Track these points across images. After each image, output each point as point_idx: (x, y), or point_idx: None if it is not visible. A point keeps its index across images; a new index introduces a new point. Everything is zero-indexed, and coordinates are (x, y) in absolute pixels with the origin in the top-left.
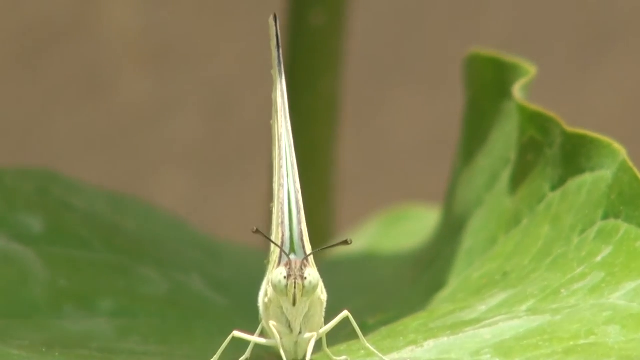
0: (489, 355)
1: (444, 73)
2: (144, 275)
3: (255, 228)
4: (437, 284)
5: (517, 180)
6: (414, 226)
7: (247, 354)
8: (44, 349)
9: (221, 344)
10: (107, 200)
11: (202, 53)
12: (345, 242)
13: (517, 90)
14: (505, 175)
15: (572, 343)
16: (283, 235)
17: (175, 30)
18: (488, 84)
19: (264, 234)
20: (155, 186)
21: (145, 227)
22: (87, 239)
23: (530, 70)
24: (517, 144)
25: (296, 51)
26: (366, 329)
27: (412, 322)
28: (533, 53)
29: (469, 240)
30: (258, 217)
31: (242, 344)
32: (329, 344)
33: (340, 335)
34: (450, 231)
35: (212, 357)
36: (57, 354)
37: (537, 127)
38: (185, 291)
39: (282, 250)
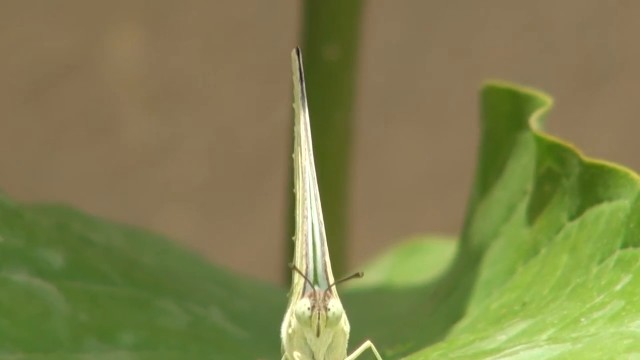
0: None
1: (449, 109)
2: (163, 308)
3: (292, 264)
4: (455, 315)
5: (535, 211)
6: (429, 259)
7: None
8: None
9: None
10: (124, 235)
11: (205, 93)
12: (357, 275)
13: (534, 121)
14: (523, 207)
15: None
16: (307, 267)
17: (179, 71)
18: (504, 115)
19: (296, 268)
20: (160, 226)
21: (162, 260)
22: (107, 273)
23: (547, 101)
24: (534, 175)
25: (310, 86)
26: None
27: (432, 352)
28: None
29: (487, 271)
30: (262, 254)
31: None
32: None
33: None
34: (468, 262)
35: None
36: None
37: (554, 158)
38: (204, 324)
39: (307, 281)
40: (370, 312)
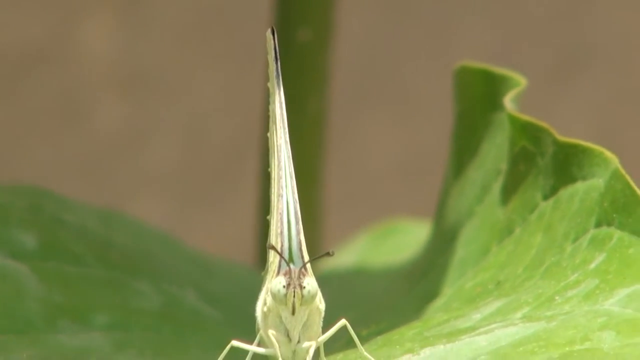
0: None
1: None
2: (138, 289)
3: (269, 243)
4: (430, 295)
5: (509, 190)
6: (402, 240)
7: None
8: None
9: (216, 357)
10: (98, 217)
11: (178, 79)
12: (328, 254)
13: (508, 101)
14: (497, 187)
15: (567, 349)
16: (282, 245)
17: (152, 57)
18: (478, 96)
19: (273, 246)
20: (133, 211)
21: (136, 242)
22: (81, 255)
23: (521, 81)
24: (508, 154)
25: (283, 69)
26: (361, 340)
27: (408, 331)
28: None
29: (461, 250)
30: (235, 240)
31: (238, 356)
32: (326, 356)
33: (335, 347)
34: (442, 243)
35: None
36: None
37: (528, 137)
38: (179, 305)
39: (282, 259)
40: (345, 294)
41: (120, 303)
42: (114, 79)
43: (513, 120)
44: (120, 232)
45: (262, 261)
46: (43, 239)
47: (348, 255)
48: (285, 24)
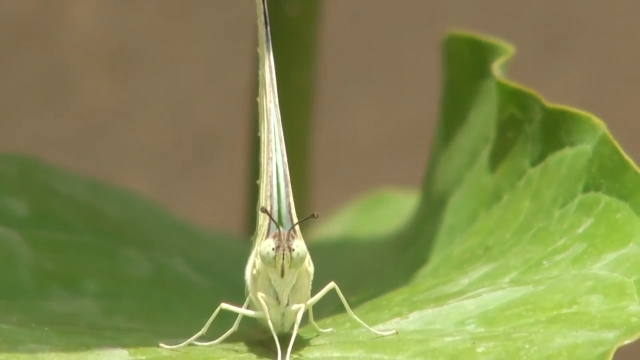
0: (473, 325)
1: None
2: (127, 257)
3: (262, 207)
4: (419, 261)
5: (497, 157)
6: (391, 211)
7: (235, 326)
8: (33, 325)
9: (204, 323)
10: (87, 187)
11: (163, 56)
12: (313, 216)
13: (496, 68)
14: (485, 154)
15: (555, 312)
16: (271, 208)
17: (137, 34)
18: (466, 64)
19: (265, 209)
20: None
21: (125, 211)
22: (71, 223)
23: (509, 49)
24: (496, 121)
25: (271, 42)
26: (349, 306)
27: (396, 296)
28: None
29: (450, 217)
30: (220, 214)
31: (227, 321)
32: (315, 320)
33: (324, 313)
34: (431, 210)
35: (198, 331)
36: (46, 329)
37: (516, 104)
38: (168, 273)
39: (271, 221)
40: (333, 264)
41: (109, 270)
42: (100, 56)
43: (501, 87)
44: (108, 201)
45: (249, 234)
46: (34, 206)
47: (336, 226)
48: None
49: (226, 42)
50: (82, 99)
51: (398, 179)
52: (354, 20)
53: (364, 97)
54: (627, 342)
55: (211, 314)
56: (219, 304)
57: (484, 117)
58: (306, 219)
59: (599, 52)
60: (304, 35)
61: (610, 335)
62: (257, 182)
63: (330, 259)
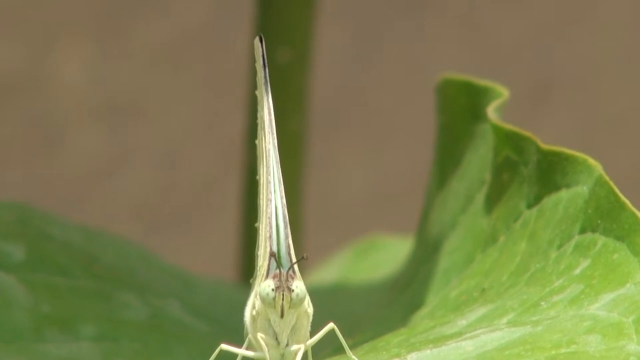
0: None
1: (400, 118)
2: (124, 301)
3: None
4: (415, 304)
5: (493, 200)
6: (385, 256)
7: None
8: None
9: None
10: (82, 233)
11: (152, 106)
12: (302, 258)
13: (491, 111)
14: (481, 197)
15: (554, 352)
16: (271, 249)
17: (127, 84)
18: (461, 108)
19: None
20: None
21: (119, 257)
22: (68, 267)
23: (503, 92)
24: (492, 164)
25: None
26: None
27: (394, 338)
28: None
29: (445, 260)
30: (212, 263)
31: None
32: None
33: (322, 354)
34: (426, 254)
35: None
36: None
37: (512, 147)
38: (165, 317)
39: (272, 262)
40: (328, 308)
41: (107, 314)
42: (89, 106)
43: (496, 129)
44: (103, 247)
45: (242, 281)
46: (30, 251)
47: (329, 271)
48: (265, 43)
49: (215, 93)
50: (71, 149)
51: (390, 225)
52: (342, 67)
53: (354, 145)
54: None
55: (209, 357)
56: (218, 346)
57: (479, 160)
58: (297, 261)
59: (585, 101)
60: (295, 82)
61: None
62: (256, 224)
63: (325, 304)
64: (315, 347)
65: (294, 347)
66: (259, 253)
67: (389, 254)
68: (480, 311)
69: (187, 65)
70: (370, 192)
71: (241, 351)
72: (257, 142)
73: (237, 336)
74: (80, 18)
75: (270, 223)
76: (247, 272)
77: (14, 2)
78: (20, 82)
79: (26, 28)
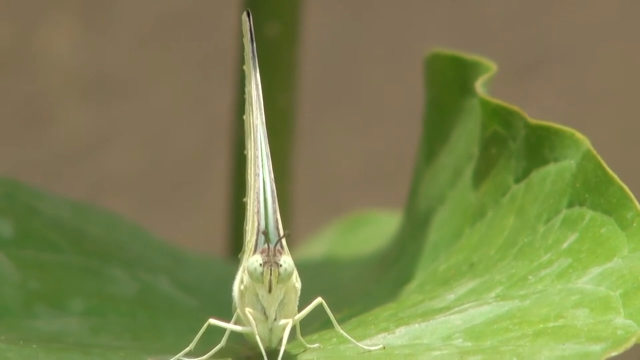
0: (460, 340)
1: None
2: (112, 276)
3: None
4: (403, 279)
5: (481, 174)
6: (373, 231)
7: (223, 342)
8: (21, 342)
9: (191, 341)
10: (71, 208)
11: (141, 84)
12: (286, 234)
13: (479, 86)
14: (469, 171)
15: (541, 326)
16: (258, 224)
17: (113, 62)
18: (449, 83)
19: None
20: None
21: (109, 232)
22: (56, 243)
23: (491, 67)
24: (480, 139)
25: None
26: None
27: (382, 312)
28: None
29: (434, 235)
30: (200, 242)
31: (214, 338)
32: (301, 336)
33: (310, 329)
34: (415, 228)
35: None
36: (34, 346)
37: (500, 121)
38: (153, 292)
39: (265, 237)
40: (316, 283)
41: (95, 289)
42: (77, 83)
43: (484, 104)
44: (92, 222)
45: (230, 257)
46: (19, 227)
47: (318, 246)
48: (253, 18)
49: (203, 71)
50: (59, 126)
51: (378, 201)
52: (331, 45)
53: (343, 121)
54: (613, 354)
55: (198, 332)
56: (206, 321)
57: (467, 134)
58: (283, 236)
59: (571, 78)
60: (284, 57)
61: (597, 347)
62: (244, 199)
63: (314, 279)
64: (304, 322)
65: (282, 321)
66: (247, 228)
67: (378, 229)
68: (468, 285)
69: (175, 42)
70: (359, 168)
71: (229, 326)
72: (245, 117)
73: (226, 311)
74: None
75: (258, 198)
76: (235, 247)
77: None
78: (7, 59)
79: (14, 5)
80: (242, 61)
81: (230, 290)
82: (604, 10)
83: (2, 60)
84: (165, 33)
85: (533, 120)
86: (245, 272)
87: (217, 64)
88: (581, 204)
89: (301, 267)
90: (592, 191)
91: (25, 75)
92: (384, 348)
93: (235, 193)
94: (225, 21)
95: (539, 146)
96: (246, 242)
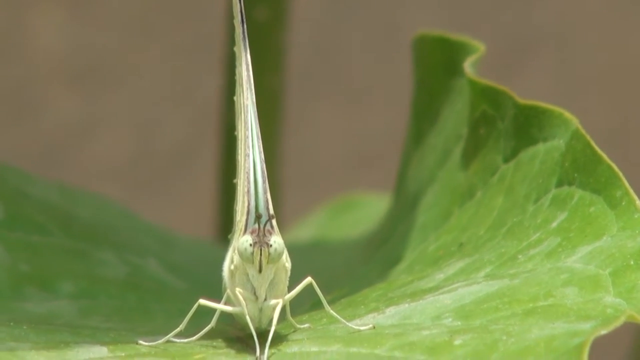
0: (450, 319)
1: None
2: (102, 259)
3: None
4: (393, 260)
5: (470, 155)
6: (361, 213)
7: (213, 322)
8: (11, 324)
9: (180, 323)
10: (60, 191)
11: (129, 71)
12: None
13: (468, 66)
14: (458, 151)
15: (531, 305)
16: (249, 204)
17: (102, 50)
18: (437, 63)
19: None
20: None
21: (98, 215)
22: (46, 225)
23: (479, 47)
24: (468, 119)
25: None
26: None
27: (372, 292)
28: None
29: (423, 216)
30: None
31: (204, 320)
32: (292, 316)
33: (300, 310)
34: (404, 209)
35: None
36: (24, 327)
37: (488, 101)
38: (143, 274)
39: (256, 217)
40: (305, 265)
41: (85, 272)
42: (65, 71)
43: (473, 84)
44: (81, 205)
45: (221, 238)
46: (8, 209)
47: (306, 229)
48: (243, 1)
49: (190, 57)
50: (48, 113)
51: (367, 184)
52: (320, 28)
53: (332, 105)
54: (603, 332)
55: (187, 314)
56: (193, 305)
57: (456, 115)
58: (272, 218)
59: (560, 61)
60: (273, 40)
61: (586, 326)
62: (234, 180)
63: (302, 261)
64: (294, 303)
65: (272, 301)
66: (237, 208)
67: (367, 212)
68: (458, 265)
69: (162, 28)
70: (348, 151)
71: (220, 306)
72: (235, 98)
73: (216, 293)
74: None
75: (248, 178)
76: (224, 231)
77: None
78: None
79: None
80: (230, 45)
81: (219, 273)
82: None
83: None
84: (152, 20)
85: (522, 100)
86: (236, 252)
87: (204, 50)
88: (570, 183)
89: (290, 250)
90: (581, 170)
91: (14, 62)
92: (374, 327)
93: (225, 175)
94: (212, 7)
95: (528, 126)
96: (236, 222)
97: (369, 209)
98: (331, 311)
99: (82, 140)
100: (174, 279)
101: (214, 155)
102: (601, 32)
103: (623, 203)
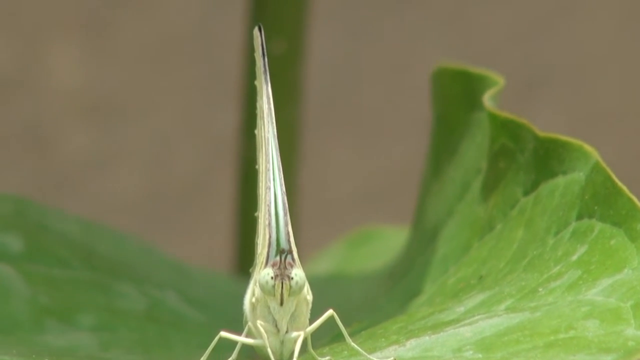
0: (471, 352)
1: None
2: (122, 292)
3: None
4: (413, 292)
5: (489, 188)
6: (380, 246)
7: (234, 355)
8: (33, 356)
9: (200, 356)
10: (79, 225)
11: (143, 105)
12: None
13: (487, 100)
14: (477, 184)
15: (552, 338)
16: (270, 237)
17: (115, 84)
18: (456, 97)
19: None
20: None
21: (117, 248)
22: (66, 258)
23: (499, 80)
24: (488, 152)
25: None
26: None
27: (392, 325)
28: None
29: (443, 248)
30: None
31: (224, 353)
32: (312, 349)
33: (321, 342)
34: (423, 242)
35: None
36: (46, 359)
37: (508, 134)
38: (163, 307)
39: (281, 253)
40: (324, 298)
41: (105, 305)
42: (80, 106)
43: (492, 117)
44: (101, 239)
45: (239, 272)
46: (28, 242)
47: (324, 262)
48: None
49: (205, 93)
50: (63, 148)
51: (384, 218)
52: (335, 62)
53: (348, 138)
54: None
55: (207, 347)
56: (214, 337)
57: (475, 148)
58: (285, 253)
59: (576, 95)
60: (290, 73)
61: (607, 358)
62: (256, 214)
63: (322, 294)
64: (314, 336)
65: (294, 334)
66: (258, 241)
67: (385, 244)
68: (478, 298)
69: (176, 63)
70: (364, 185)
71: (241, 339)
72: (256, 131)
73: (234, 327)
74: (69, 17)
75: (269, 211)
76: (242, 265)
77: (1, 2)
78: (10, 82)
79: (17, 28)
80: (245, 79)
81: (238, 306)
82: (608, 27)
83: (5, 83)
84: (168, 53)
85: (541, 133)
86: (257, 285)
87: (218, 85)
88: (590, 216)
89: (309, 282)
90: (601, 203)
91: (29, 97)
92: None
93: (242, 209)
94: (227, 43)
95: (548, 159)
96: (257, 255)
97: (387, 242)
98: (352, 343)
99: (96, 174)
100: (193, 311)
101: (228, 189)
102: (618, 65)
103: None
